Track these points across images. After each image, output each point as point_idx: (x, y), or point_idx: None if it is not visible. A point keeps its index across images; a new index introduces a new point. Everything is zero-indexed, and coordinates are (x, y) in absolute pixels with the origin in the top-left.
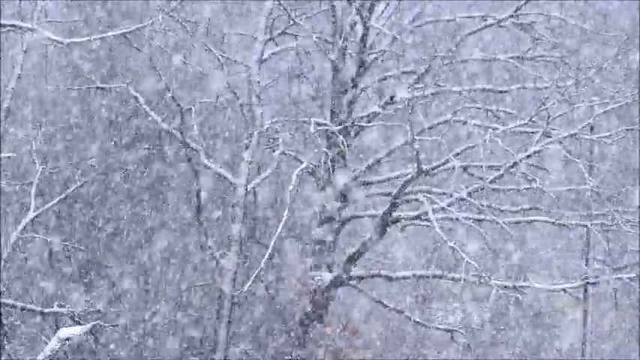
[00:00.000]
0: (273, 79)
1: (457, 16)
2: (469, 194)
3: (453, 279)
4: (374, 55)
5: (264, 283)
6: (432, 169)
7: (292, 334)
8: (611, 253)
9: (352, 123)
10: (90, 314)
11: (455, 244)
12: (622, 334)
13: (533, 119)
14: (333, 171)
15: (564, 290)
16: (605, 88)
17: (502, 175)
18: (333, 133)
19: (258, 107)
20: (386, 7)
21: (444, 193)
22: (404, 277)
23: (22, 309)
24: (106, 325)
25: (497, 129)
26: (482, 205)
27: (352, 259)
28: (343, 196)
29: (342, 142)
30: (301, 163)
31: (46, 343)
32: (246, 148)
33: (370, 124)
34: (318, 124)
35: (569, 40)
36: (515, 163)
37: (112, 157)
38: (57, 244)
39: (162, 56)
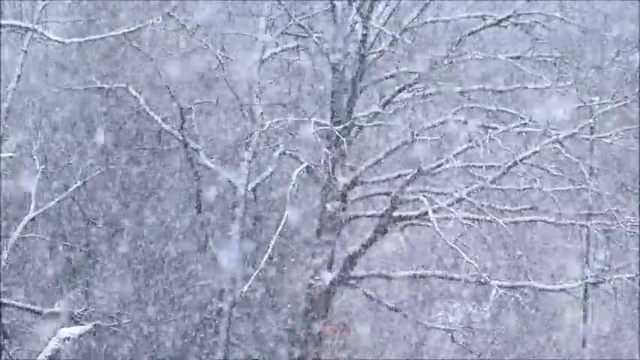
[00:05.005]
0: (273, 79)
1: (457, 16)
2: (469, 194)
3: (452, 279)
4: (374, 55)
5: (264, 283)
6: (432, 169)
7: (292, 334)
8: (611, 253)
9: (352, 123)
10: (90, 314)
11: (455, 243)
12: (622, 334)
13: (533, 119)
14: (333, 171)
15: (564, 290)
16: (605, 88)
17: (502, 175)
18: (333, 133)
19: (258, 107)
20: (386, 7)
21: (444, 193)
22: (404, 277)
23: (22, 309)
24: (106, 325)
25: (497, 129)
26: (482, 205)
27: (352, 259)
28: (343, 196)
29: (342, 142)
30: (301, 163)
31: (46, 344)
32: (246, 148)
33: (370, 124)
34: (318, 124)
35: (569, 40)
36: (515, 163)
37: (111, 157)
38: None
39: (162, 56)
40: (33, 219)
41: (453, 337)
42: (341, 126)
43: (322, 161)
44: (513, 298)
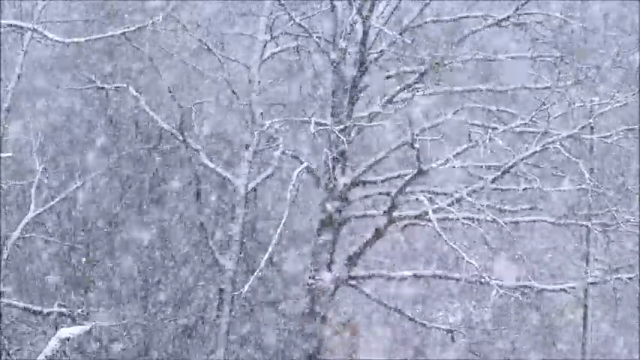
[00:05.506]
0: (273, 79)
1: (457, 16)
2: (469, 194)
3: (452, 279)
4: (374, 55)
5: (264, 283)
6: (432, 169)
7: (292, 334)
8: (611, 253)
9: (352, 123)
10: (90, 314)
11: (455, 243)
12: (622, 334)
13: (533, 119)
14: (333, 171)
15: (564, 290)
16: (605, 88)
17: (502, 175)
18: (333, 133)
19: (258, 107)
20: (386, 7)
21: (444, 193)
22: (404, 277)
23: (22, 309)
24: (106, 325)
25: (497, 129)
26: (482, 205)
27: (352, 259)
28: (343, 196)
29: (342, 142)
30: (301, 163)
31: (47, 344)
32: (246, 148)
33: (370, 124)
34: (318, 124)
35: (568, 40)
36: (515, 163)
37: (112, 157)
38: (57, 243)
39: (163, 56)
40: (33, 219)
41: (453, 337)
42: (341, 126)
43: (322, 161)
44: (513, 298)
